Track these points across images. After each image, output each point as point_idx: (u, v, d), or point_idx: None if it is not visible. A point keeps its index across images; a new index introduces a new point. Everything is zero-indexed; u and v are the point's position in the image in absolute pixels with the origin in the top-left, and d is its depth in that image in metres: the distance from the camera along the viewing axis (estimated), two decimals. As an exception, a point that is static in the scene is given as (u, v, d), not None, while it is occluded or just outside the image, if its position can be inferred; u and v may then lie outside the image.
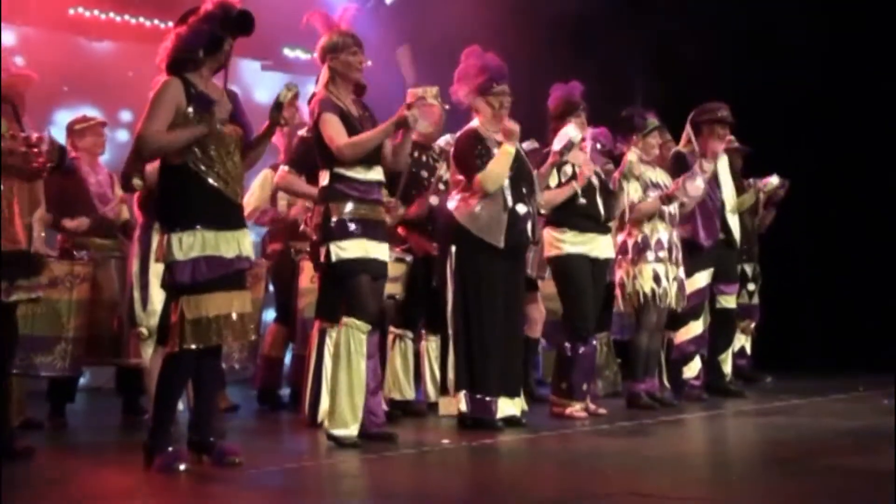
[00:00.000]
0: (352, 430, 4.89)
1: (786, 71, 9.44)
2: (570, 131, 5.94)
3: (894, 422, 5.13)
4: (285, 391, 7.22)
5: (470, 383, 5.60)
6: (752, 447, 5.22)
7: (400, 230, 6.35)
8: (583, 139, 6.15)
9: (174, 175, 4.30)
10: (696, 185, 6.66)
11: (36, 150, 4.52)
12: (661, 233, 6.64)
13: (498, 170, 5.61)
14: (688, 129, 7.10)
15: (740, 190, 7.65)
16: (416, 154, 6.30)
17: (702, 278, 7.10)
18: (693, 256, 6.99)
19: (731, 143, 7.57)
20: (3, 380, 4.76)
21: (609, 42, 9.24)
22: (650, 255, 6.59)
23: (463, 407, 5.62)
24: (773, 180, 7.57)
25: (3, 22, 8.17)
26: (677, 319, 6.95)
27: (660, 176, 6.81)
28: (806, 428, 5.66)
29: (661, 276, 6.59)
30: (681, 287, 6.73)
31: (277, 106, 4.44)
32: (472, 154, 5.64)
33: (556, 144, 5.99)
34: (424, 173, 6.41)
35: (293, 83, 4.55)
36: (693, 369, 7.08)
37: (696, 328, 7.05)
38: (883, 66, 9.21)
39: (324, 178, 5.01)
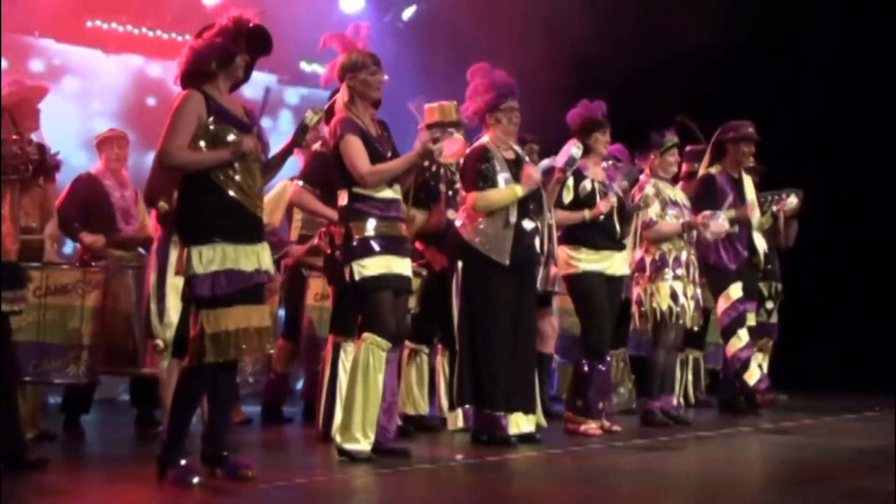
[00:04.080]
0: (365, 445, 4.87)
1: (804, 89, 9.42)
2: (572, 148, 5.95)
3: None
4: (291, 408, 7.18)
5: (477, 399, 5.58)
6: (768, 467, 5.19)
7: (417, 244, 6.34)
8: (604, 160, 6.28)
9: (194, 187, 4.30)
10: (720, 223, 6.64)
11: (21, 152, 4.46)
12: (679, 251, 6.63)
13: (495, 199, 5.62)
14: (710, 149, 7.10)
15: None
16: (433, 167, 6.29)
17: (735, 290, 7.04)
18: (722, 273, 7.00)
19: (748, 162, 7.54)
20: (3, 388, 4.74)
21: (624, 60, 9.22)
22: (668, 272, 6.58)
23: (461, 423, 5.60)
24: (792, 201, 7.52)
25: (22, 34, 8.24)
26: (696, 336, 6.91)
27: (678, 194, 6.80)
28: (821, 448, 5.64)
29: (678, 293, 6.58)
30: (697, 305, 6.71)
31: (303, 128, 4.50)
32: (475, 171, 5.67)
33: (559, 161, 6.00)
34: (442, 187, 6.39)
35: (318, 108, 4.65)
36: (753, 375, 7.04)
37: (743, 336, 6.99)
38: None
39: (343, 198, 5.02)
